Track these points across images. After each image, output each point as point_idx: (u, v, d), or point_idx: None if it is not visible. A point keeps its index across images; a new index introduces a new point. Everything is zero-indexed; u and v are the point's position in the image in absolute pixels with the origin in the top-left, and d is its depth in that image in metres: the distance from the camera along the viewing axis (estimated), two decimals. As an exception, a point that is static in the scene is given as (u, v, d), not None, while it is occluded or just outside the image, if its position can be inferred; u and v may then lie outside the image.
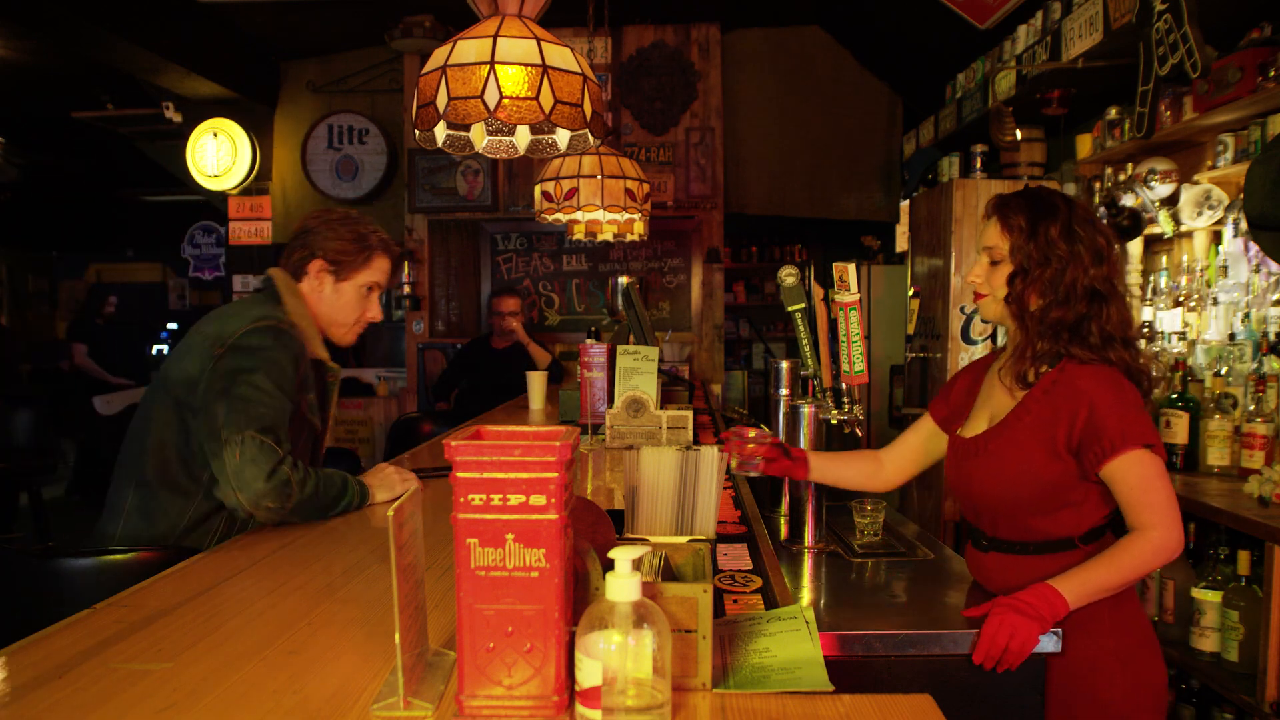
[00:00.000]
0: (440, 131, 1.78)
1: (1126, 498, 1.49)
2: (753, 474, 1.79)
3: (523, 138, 1.85)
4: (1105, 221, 3.70)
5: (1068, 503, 1.54)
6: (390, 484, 1.97)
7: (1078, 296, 1.54)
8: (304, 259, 1.98)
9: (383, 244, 2.03)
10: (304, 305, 1.97)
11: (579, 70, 1.69)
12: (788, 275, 2.05)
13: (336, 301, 2.00)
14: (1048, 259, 1.55)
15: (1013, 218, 1.59)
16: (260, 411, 1.72)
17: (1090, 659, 1.52)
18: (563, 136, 1.84)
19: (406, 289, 6.04)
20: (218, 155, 6.21)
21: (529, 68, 1.62)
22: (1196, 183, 3.29)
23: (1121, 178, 3.62)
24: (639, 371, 2.62)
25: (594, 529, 1.14)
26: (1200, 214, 3.25)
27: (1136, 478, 1.47)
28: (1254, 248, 2.94)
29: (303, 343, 1.88)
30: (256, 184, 6.33)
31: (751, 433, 1.77)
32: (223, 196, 6.36)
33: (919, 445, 1.85)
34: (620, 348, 2.70)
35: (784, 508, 1.98)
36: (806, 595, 1.68)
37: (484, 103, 1.60)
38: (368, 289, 2.02)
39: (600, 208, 2.92)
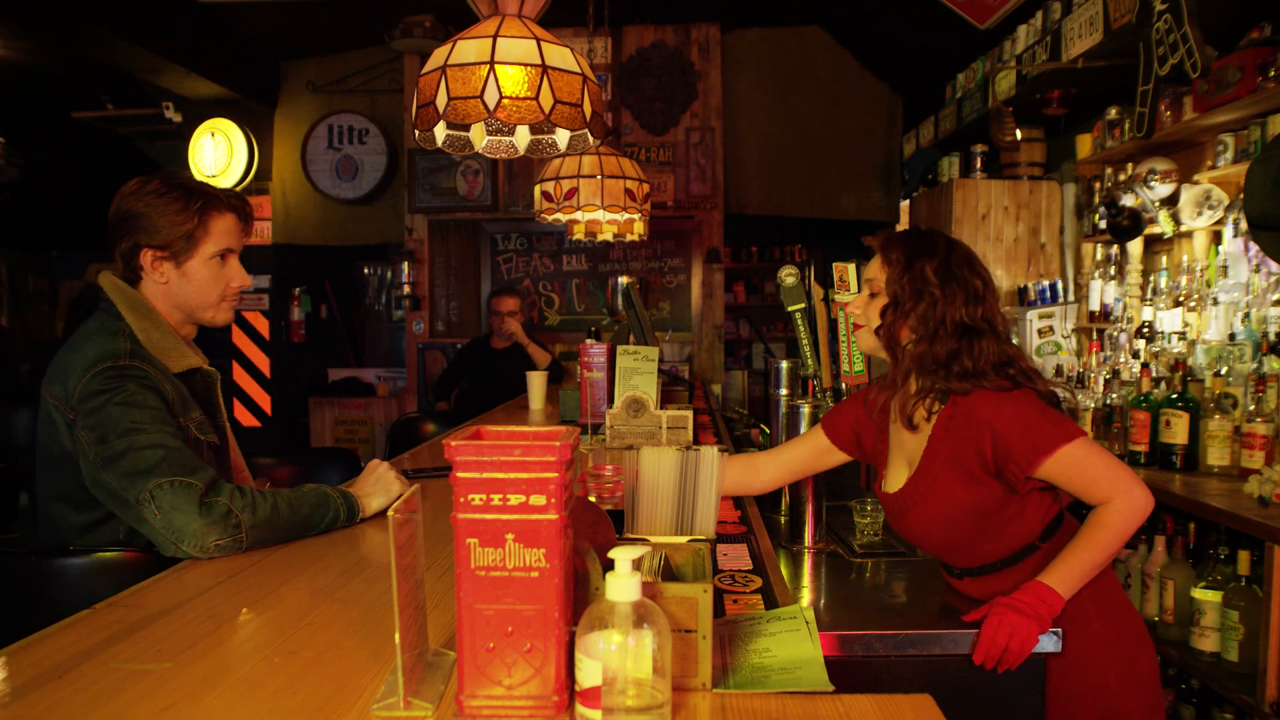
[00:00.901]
0: (440, 131, 1.78)
1: (1071, 486, 1.51)
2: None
3: (523, 138, 1.85)
4: (1105, 222, 3.71)
5: (1009, 518, 1.56)
6: (386, 486, 1.80)
7: (947, 332, 1.56)
8: (131, 251, 1.71)
9: (216, 201, 1.75)
10: (150, 314, 1.72)
11: (579, 70, 1.69)
12: (788, 275, 2.05)
13: (188, 288, 1.74)
14: (920, 294, 1.58)
15: (892, 252, 1.63)
16: (150, 459, 1.51)
17: (1080, 648, 1.53)
18: (563, 136, 1.84)
19: (406, 289, 6.04)
20: (215, 155, 6.21)
21: (529, 68, 1.62)
22: (1196, 183, 3.30)
23: (1121, 178, 3.62)
24: (639, 371, 2.62)
25: (594, 529, 1.14)
26: (1200, 214, 3.25)
27: (1068, 468, 1.48)
28: (1254, 248, 2.94)
29: (160, 364, 1.67)
30: (256, 184, 6.32)
31: (607, 470, 1.76)
32: (223, 196, 6.35)
33: (804, 459, 1.84)
34: (620, 348, 2.70)
35: (784, 508, 1.98)
36: (806, 595, 1.68)
37: (484, 103, 1.60)
38: (219, 257, 1.76)
39: (600, 208, 2.92)
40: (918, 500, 1.61)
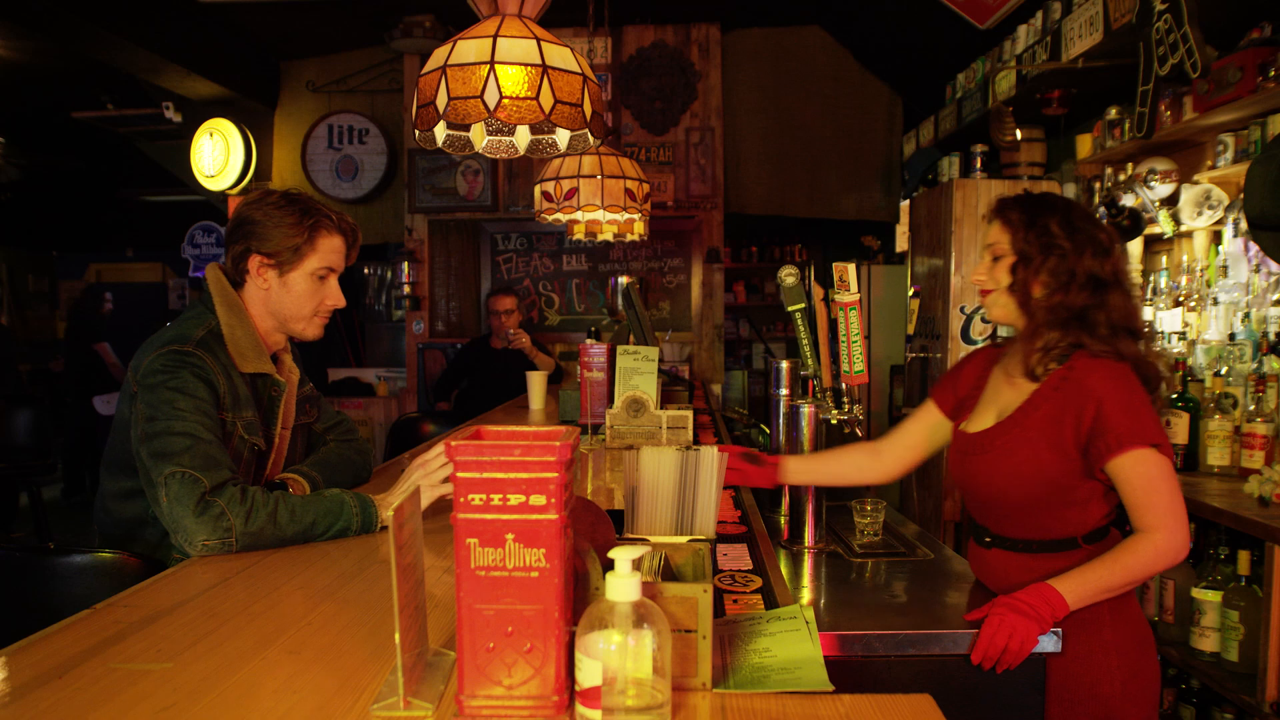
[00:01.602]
0: (440, 131, 1.78)
1: (1130, 498, 1.49)
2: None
3: (523, 138, 1.85)
4: (1105, 222, 3.70)
5: (1072, 501, 1.55)
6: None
7: (1080, 284, 1.55)
8: (241, 255, 1.80)
9: (328, 221, 1.83)
10: (240, 314, 1.80)
11: (579, 70, 1.69)
12: (788, 275, 2.05)
13: (286, 297, 1.81)
14: (1048, 248, 1.57)
15: (1011, 214, 1.63)
16: (176, 446, 1.57)
17: (1088, 654, 1.53)
18: (563, 136, 1.84)
19: (406, 289, 6.04)
20: (213, 155, 6.22)
21: (529, 68, 1.62)
22: (1196, 183, 3.29)
23: (1121, 178, 3.62)
24: (639, 371, 2.62)
25: (594, 529, 1.14)
26: (1200, 214, 3.25)
27: (1140, 477, 1.48)
28: (1254, 248, 2.94)
29: (224, 361, 1.73)
30: (256, 184, 6.32)
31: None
32: (223, 196, 6.36)
33: (923, 435, 1.83)
34: (620, 348, 2.70)
35: (784, 508, 1.98)
36: (806, 595, 1.68)
37: (484, 103, 1.60)
38: (320, 276, 1.83)
39: (600, 208, 2.92)
40: (998, 445, 1.60)
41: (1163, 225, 3.39)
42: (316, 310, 1.86)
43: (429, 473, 1.82)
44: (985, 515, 1.66)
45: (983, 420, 1.67)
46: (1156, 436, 1.48)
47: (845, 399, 2.00)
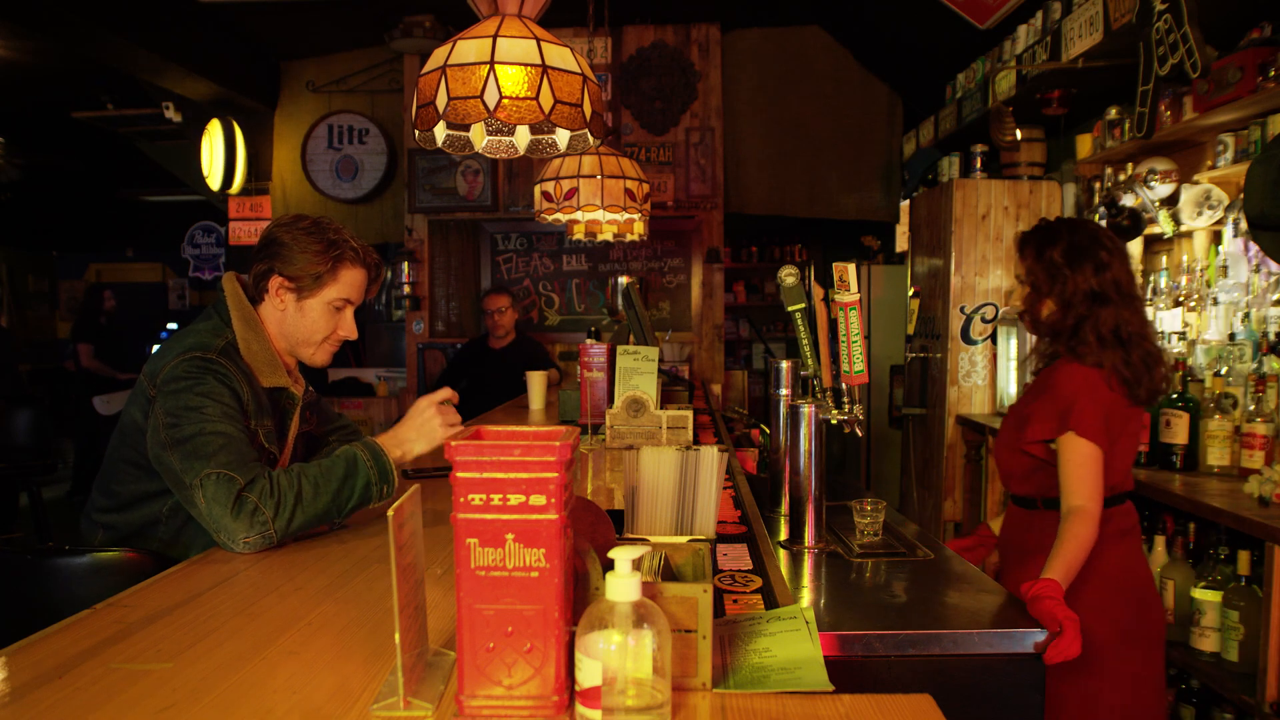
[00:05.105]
0: (440, 131, 1.78)
1: (1062, 474, 1.88)
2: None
3: (523, 138, 1.85)
4: (1105, 222, 3.70)
5: (1034, 468, 1.99)
6: (430, 432, 1.76)
7: (1077, 301, 1.89)
8: (264, 273, 1.82)
9: (353, 254, 1.85)
10: (257, 330, 1.81)
11: (579, 70, 1.69)
12: (788, 275, 2.05)
13: (301, 321, 1.83)
14: (1053, 277, 1.92)
15: (1025, 249, 2.00)
16: (211, 446, 1.58)
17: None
18: (563, 136, 1.84)
19: (406, 289, 6.04)
20: (206, 157, 6.21)
21: (529, 68, 1.62)
22: (1196, 183, 3.29)
23: (1121, 178, 3.62)
24: (639, 371, 2.62)
25: (594, 529, 1.14)
26: (1200, 214, 3.25)
27: (1069, 459, 1.87)
28: (1254, 248, 2.94)
29: (245, 371, 1.75)
30: (256, 184, 6.33)
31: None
32: (222, 196, 6.36)
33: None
34: (620, 348, 2.70)
35: (784, 508, 1.98)
36: (806, 595, 1.68)
37: (484, 103, 1.60)
38: (336, 306, 1.85)
39: (600, 208, 2.91)
40: (1003, 424, 2.09)
41: (1163, 225, 3.39)
42: (327, 338, 1.87)
43: (440, 415, 1.78)
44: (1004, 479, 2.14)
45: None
46: (1084, 430, 1.83)
47: (845, 399, 2.00)
